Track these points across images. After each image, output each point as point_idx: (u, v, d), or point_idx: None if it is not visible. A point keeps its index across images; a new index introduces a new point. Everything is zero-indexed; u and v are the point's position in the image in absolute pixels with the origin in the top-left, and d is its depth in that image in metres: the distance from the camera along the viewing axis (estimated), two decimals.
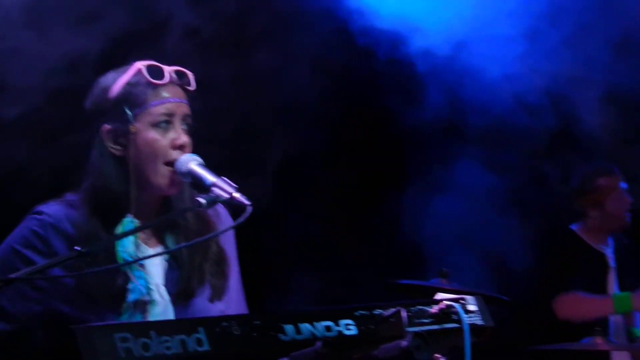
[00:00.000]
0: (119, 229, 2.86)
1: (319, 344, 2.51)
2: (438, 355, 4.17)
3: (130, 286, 2.85)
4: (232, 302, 3.05)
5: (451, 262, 4.74)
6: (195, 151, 2.86)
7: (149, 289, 2.88)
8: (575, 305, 4.97)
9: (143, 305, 2.90)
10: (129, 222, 2.87)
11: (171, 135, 2.83)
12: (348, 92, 5.23)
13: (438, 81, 5.06)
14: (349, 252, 5.21)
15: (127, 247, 2.86)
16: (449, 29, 4.80)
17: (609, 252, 5.21)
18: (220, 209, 3.01)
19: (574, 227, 5.26)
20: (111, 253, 2.82)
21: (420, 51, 4.82)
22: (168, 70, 2.88)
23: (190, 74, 2.94)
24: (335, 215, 5.24)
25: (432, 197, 5.38)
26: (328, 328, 2.61)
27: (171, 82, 2.86)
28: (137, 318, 2.87)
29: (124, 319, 2.85)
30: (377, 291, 4.33)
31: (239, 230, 2.83)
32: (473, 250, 5.21)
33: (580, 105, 5.31)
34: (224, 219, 3.03)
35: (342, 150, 5.30)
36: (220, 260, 3.01)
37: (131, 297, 2.87)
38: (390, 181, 5.61)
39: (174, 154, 2.82)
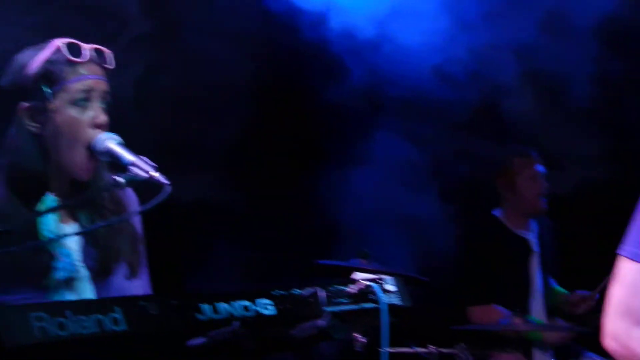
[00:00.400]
0: (40, 207, 2.85)
1: (236, 323, 2.52)
2: (357, 335, 4.27)
3: (57, 264, 2.84)
4: (144, 278, 3.10)
5: (373, 240, 4.83)
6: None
7: (75, 267, 2.88)
8: (485, 319, 5.02)
9: (71, 282, 2.91)
10: (50, 200, 2.87)
11: (90, 113, 2.82)
12: (270, 71, 5.27)
13: (359, 57, 5.12)
14: (270, 230, 5.26)
15: (49, 225, 2.85)
16: (369, 5, 4.87)
17: (531, 237, 5.26)
18: (127, 189, 3.01)
19: (496, 212, 5.32)
20: (33, 231, 2.81)
21: (342, 28, 4.89)
22: (87, 48, 2.87)
23: (109, 52, 2.93)
24: (256, 194, 5.27)
25: (353, 174, 5.44)
26: (246, 308, 2.62)
27: (90, 60, 2.86)
28: (69, 296, 2.87)
29: (55, 297, 2.84)
30: (297, 271, 4.38)
31: (159, 210, 2.84)
32: (394, 228, 5.27)
33: (502, 83, 5.39)
34: (132, 199, 3.06)
35: (264, 127, 5.33)
36: (134, 239, 3.04)
37: (59, 275, 2.86)
38: (312, 158, 5.67)
39: (93, 132, 2.81)
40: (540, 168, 5.29)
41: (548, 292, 5.35)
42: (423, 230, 5.25)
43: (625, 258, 2.78)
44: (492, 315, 4.94)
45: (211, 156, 5.03)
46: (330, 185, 5.42)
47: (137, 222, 3.10)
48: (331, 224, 5.37)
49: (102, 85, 2.87)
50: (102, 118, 2.83)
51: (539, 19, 5.28)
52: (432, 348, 4.51)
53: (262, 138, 5.39)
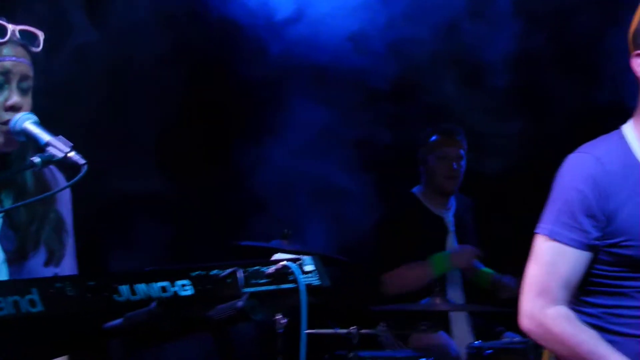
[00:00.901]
0: None
1: (153, 304, 2.53)
2: (279, 316, 4.29)
3: None
4: (66, 269, 3.07)
5: (293, 216, 4.85)
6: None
7: None
8: (397, 279, 5.10)
9: None
10: None
11: (5, 94, 2.78)
12: (189, 47, 5.27)
13: (275, 28, 5.14)
14: (192, 209, 5.26)
15: None
16: None
17: (448, 216, 5.33)
18: (58, 174, 3.02)
19: (415, 189, 5.38)
20: None
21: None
22: (11, 28, 2.83)
23: (39, 34, 2.89)
24: (178, 171, 5.27)
25: (273, 147, 5.47)
26: (164, 288, 2.62)
27: (13, 40, 2.81)
28: None
29: None
30: (217, 251, 4.38)
31: (79, 189, 2.82)
32: (316, 205, 5.31)
33: (420, 57, 5.44)
34: (60, 184, 3.02)
35: (184, 105, 5.33)
36: (59, 228, 3.00)
37: None
38: (233, 134, 5.68)
39: (6, 114, 2.78)
40: (456, 149, 5.35)
41: (471, 272, 5.44)
42: (344, 204, 5.28)
43: (542, 236, 2.83)
44: (401, 277, 5.04)
45: (131, 136, 5.02)
46: (250, 161, 5.45)
47: (66, 213, 3.08)
48: (252, 199, 5.37)
49: (21, 67, 2.82)
50: (15, 100, 2.79)
51: None
52: (353, 328, 4.56)
53: (182, 116, 5.39)
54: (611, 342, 2.84)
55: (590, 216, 2.77)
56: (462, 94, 5.55)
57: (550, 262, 2.83)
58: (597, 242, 2.79)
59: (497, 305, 4.95)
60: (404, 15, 5.26)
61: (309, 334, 3.99)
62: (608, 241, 2.79)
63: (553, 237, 2.83)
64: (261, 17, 5.09)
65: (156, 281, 2.62)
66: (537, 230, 2.89)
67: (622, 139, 2.81)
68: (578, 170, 2.87)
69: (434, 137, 5.41)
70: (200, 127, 5.50)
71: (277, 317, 4.30)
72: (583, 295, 2.90)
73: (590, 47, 5.31)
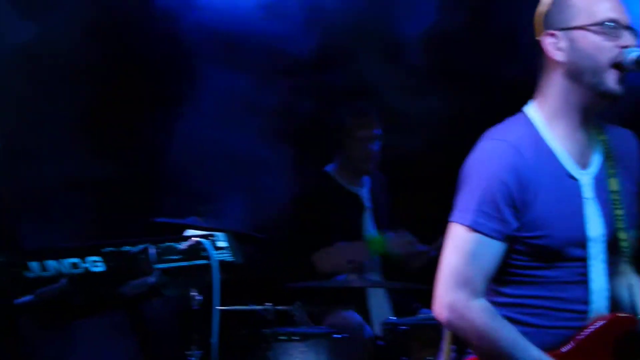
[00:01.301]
0: None
1: (64, 280, 2.56)
2: (194, 292, 4.30)
3: None
4: None
5: (212, 191, 4.84)
6: None
7: None
8: (330, 258, 5.12)
9: None
10: None
11: None
12: (100, 24, 5.29)
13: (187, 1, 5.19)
14: (109, 186, 5.23)
15: None
16: None
17: (363, 193, 5.41)
18: None
19: (329, 168, 5.45)
20: None
21: None
22: None
23: None
24: (94, 149, 5.24)
25: (189, 119, 5.45)
26: (74, 265, 2.64)
27: None
28: None
29: None
30: (132, 227, 4.38)
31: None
32: (233, 178, 5.29)
33: (336, 31, 5.49)
34: None
35: (98, 82, 5.35)
36: None
37: None
38: (148, 109, 5.66)
39: None
40: (371, 130, 5.42)
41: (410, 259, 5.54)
42: (261, 177, 5.25)
43: (463, 226, 2.75)
44: (334, 256, 5.10)
45: (47, 114, 4.98)
46: (166, 134, 5.42)
47: None
48: (169, 173, 5.35)
49: None
50: None
51: None
52: (268, 305, 4.62)
53: (96, 91, 5.36)
54: (522, 334, 2.80)
55: (512, 206, 2.73)
56: (381, 70, 5.63)
57: (472, 254, 2.78)
58: (515, 233, 2.73)
59: (413, 282, 5.02)
60: None
61: (225, 310, 4.04)
62: (524, 231, 2.74)
63: (475, 227, 2.75)
64: None
65: (67, 257, 2.62)
66: (455, 219, 2.77)
67: (530, 124, 2.78)
68: (498, 159, 2.80)
69: (347, 119, 5.45)
70: (116, 101, 5.48)
71: (192, 294, 4.26)
72: (495, 285, 2.83)
73: (507, 24, 5.41)
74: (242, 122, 5.22)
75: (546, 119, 2.73)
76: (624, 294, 2.89)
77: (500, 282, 2.78)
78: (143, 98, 5.33)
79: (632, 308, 2.85)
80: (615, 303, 2.85)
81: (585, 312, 2.76)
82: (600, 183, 2.76)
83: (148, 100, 5.32)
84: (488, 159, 2.76)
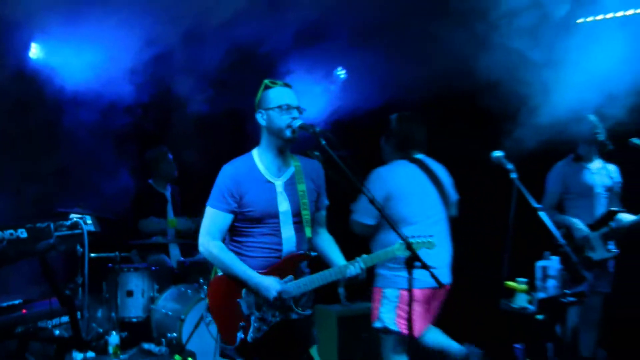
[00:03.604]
0: None
1: (4, 242, 3.77)
2: (78, 248, 5.41)
3: None
4: None
5: (84, 193, 5.89)
6: None
7: None
8: (148, 225, 6.65)
9: None
10: None
11: None
12: None
13: None
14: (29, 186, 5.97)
15: None
16: None
17: (167, 194, 7.03)
18: None
19: (150, 180, 6.95)
20: None
21: None
22: None
23: None
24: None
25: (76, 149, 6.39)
26: (11, 234, 3.78)
27: None
28: None
29: None
30: (45, 214, 5.10)
31: None
32: (99, 185, 6.37)
33: None
34: None
35: None
36: None
37: None
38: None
39: None
40: (169, 160, 6.87)
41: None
42: (113, 183, 6.44)
43: (209, 207, 3.99)
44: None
45: None
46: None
47: None
48: (64, 181, 6.15)
49: None
50: None
51: None
52: (116, 253, 6.21)
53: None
54: (244, 261, 4.05)
55: (231, 196, 4.00)
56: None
57: (213, 219, 4.02)
58: (235, 209, 4.02)
59: (191, 240, 6.34)
60: None
61: (93, 257, 5.68)
62: (241, 208, 4.02)
63: (213, 206, 4.02)
64: None
65: (6, 229, 3.86)
66: (208, 203, 4.02)
67: (250, 156, 4.10)
68: (225, 172, 4.01)
69: (157, 154, 6.96)
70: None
71: (77, 249, 5.57)
72: (230, 235, 4.13)
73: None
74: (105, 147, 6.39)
75: (258, 153, 4.09)
76: (323, 244, 4.28)
77: (232, 234, 4.12)
78: None
79: (322, 252, 4.23)
80: (319, 248, 4.23)
81: (280, 250, 4.05)
82: (290, 185, 4.06)
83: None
84: (222, 172, 4.05)
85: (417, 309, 4.70)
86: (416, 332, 4.75)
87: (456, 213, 5.02)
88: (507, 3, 5.34)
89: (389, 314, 4.77)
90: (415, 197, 4.77)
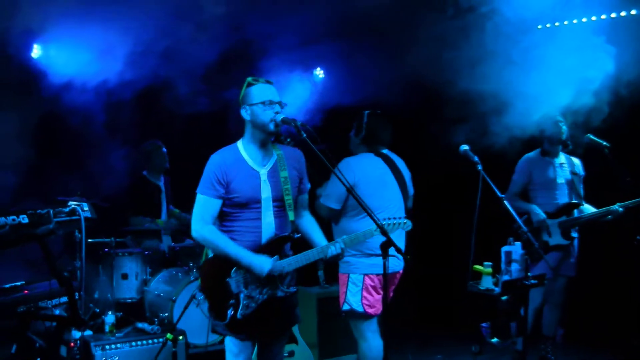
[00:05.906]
0: None
1: (7, 227, 3.89)
2: (76, 233, 5.77)
3: None
4: None
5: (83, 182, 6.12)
6: None
7: None
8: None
9: None
10: None
11: None
12: None
13: None
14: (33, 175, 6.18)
15: None
16: None
17: (161, 185, 7.30)
18: None
19: (144, 172, 7.21)
20: None
21: None
22: None
23: None
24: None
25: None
26: (13, 219, 3.95)
27: None
28: None
29: None
30: (46, 201, 5.22)
31: None
32: (96, 176, 6.58)
33: None
34: None
35: None
36: None
37: None
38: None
39: None
40: (163, 155, 7.14)
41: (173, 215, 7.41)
42: (110, 176, 6.59)
43: (200, 194, 4.23)
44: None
45: None
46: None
47: None
48: (64, 172, 6.31)
49: None
50: None
51: None
52: (112, 239, 6.41)
53: None
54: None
55: (219, 183, 4.23)
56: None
57: (204, 205, 4.27)
58: (223, 195, 4.24)
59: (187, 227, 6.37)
60: None
61: (91, 242, 6.06)
62: (228, 194, 4.25)
63: (203, 193, 4.26)
64: None
65: (9, 215, 4.04)
66: (198, 191, 4.27)
67: (235, 147, 4.33)
68: (213, 161, 4.18)
69: (151, 148, 7.22)
70: None
71: (75, 234, 5.90)
72: (220, 221, 4.35)
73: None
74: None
75: (243, 144, 4.31)
76: (306, 225, 4.48)
77: (221, 219, 4.33)
78: None
79: (306, 233, 4.43)
80: (302, 230, 4.42)
81: (260, 232, 4.26)
82: (274, 172, 4.26)
83: None
84: (210, 161, 4.26)
85: (376, 294, 5.05)
86: (375, 312, 5.09)
87: (411, 205, 5.37)
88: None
89: (354, 297, 5.08)
90: (379, 187, 5.08)
